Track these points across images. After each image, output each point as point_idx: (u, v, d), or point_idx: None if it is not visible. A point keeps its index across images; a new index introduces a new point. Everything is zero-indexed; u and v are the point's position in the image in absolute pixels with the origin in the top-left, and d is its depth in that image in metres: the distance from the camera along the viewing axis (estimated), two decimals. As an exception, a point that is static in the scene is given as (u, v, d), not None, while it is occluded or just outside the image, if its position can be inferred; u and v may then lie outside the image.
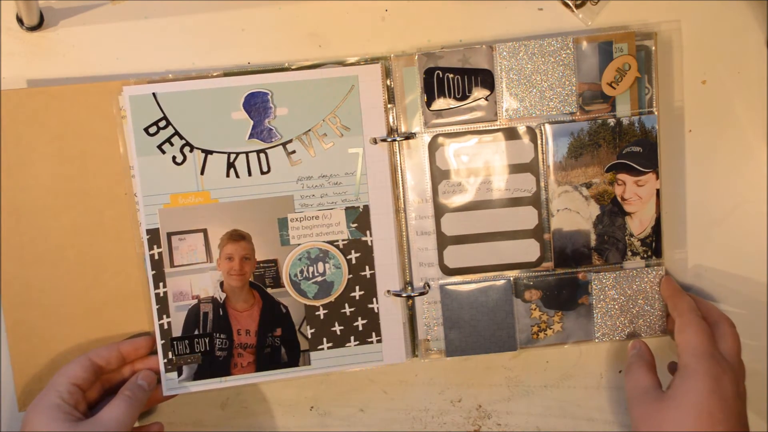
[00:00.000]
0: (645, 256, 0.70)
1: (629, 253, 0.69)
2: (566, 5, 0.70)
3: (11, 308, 0.67)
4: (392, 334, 0.69)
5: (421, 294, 0.69)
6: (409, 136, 0.68)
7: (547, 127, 0.68)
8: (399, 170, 0.69)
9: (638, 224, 0.69)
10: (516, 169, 0.69)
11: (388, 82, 0.68)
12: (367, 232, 0.68)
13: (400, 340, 0.69)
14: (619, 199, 0.69)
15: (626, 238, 0.69)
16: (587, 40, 0.67)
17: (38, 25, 0.68)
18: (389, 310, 0.69)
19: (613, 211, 0.69)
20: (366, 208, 0.68)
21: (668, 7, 0.70)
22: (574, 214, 0.69)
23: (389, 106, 0.68)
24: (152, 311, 0.67)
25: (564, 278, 0.70)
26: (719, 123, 0.71)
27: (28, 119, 0.66)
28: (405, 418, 0.73)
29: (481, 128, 0.69)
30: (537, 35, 0.70)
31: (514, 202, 0.69)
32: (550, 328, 0.70)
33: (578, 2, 0.69)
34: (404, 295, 0.69)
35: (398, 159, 0.68)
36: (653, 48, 0.68)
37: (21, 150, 0.66)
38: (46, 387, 0.61)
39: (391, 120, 0.68)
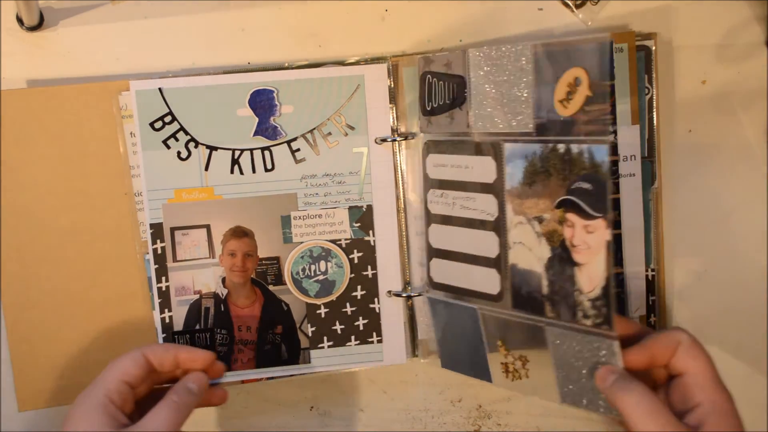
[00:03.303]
0: (595, 322, 0.55)
1: (579, 314, 0.56)
2: (566, 5, 0.70)
3: (11, 308, 0.67)
4: (393, 334, 0.69)
5: (421, 294, 0.69)
6: (408, 137, 0.68)
7: (506, 146, 0.60)
8: (399, 170, 0.69)
9: (587, 280, 0.55)
10: (482, 188, 0.63)
11: (389, 83, 0.68)
12: (370, 232, 0.68)
13: (401, 340, 0.69)
14: (567, 243, 0.56)
15: (575, 293, 0.56)
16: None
17: (38, 25, 0.68)
18: (390, 311, 0.69)
19: (562, 257, 0.57)
20: (369, 207, 0.68)
21: (668, 7, 0.70)
22: (527, 250, 0.59)
23: (390, 106, 0.68)
24: (154, 305, 0.67)
25: (521, 323, 0.61)
26: (719, 123, 0.71)
27: (28, 119, 0.66)
28: (405, 418, 0.73)
29: (457, 139, 0.64)
30: (510, 36, 0.69)
31: (481, 225, 0.63)
32: (518, 372, 0.62)
33: (578, 2, 0.69)
34: (404, 295, 0.69)
35: (398, 159, 0.69)
36: (653, 48, 0.68)
37: (21, 150, 0.66)
38: (95, 381, 0.57)
39: (390, 120, 0.68)
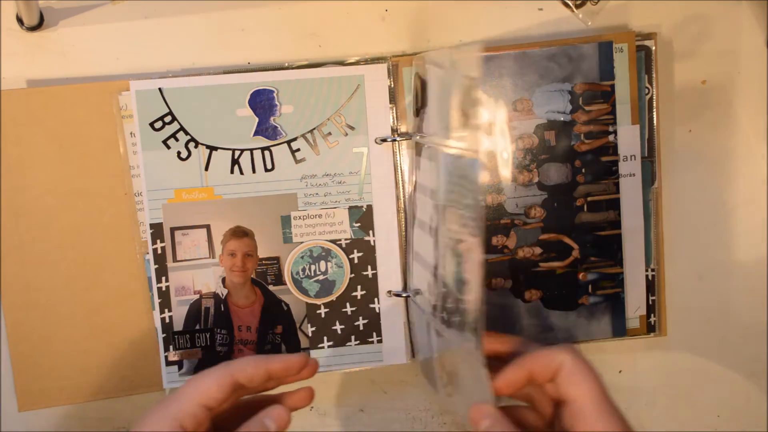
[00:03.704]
0: (474, 344, 0.51)
1: (466, 334, 0.52)
2: (566, 5, 0.70)
3: (11, 308, 0.67)
4: (393, 334, 0.69)
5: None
6: (407, 137, 0.68)
7: (441, 153, 0.58)
8: (399, 170, 0.69)
9: (470, 298, 0.52)
10: (430, 194, 0.61)
11: (389, 83, 0.68)
12: (370, 232, 0.68)
13: (401, 340, 0.69)
14: (462, 259, 0.54)
15: (464, 312, 0.52)
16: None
17: (38, 25, 0.68)
18: (390, 311, 0.69)
19: (458, 272, 0.54)
20: (369, 207, 0.68)
21: (668, 7, 0.70)
22: (445, 261, 0.57)
23: (390, 106, 0.68)
24: (154, 305, 0.67)
25: (445, 337, 0.57)
26: (719, 123, 0.71)
27: (28, 119, 0.66)
28: (405, 418, 0.73)
29: (423, 142, 0.63)
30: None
31: (430, 231, 0.60)
32: (446, 388, 0.58)
33: (578, 2, 0.69)
34: (404, 295, 0.69)
35: (398, 159, 0.68)
36: (653, 48, 0.68)
37: (21, 150, 0.66)
38: (172, 396, 0.51)
39: (390, 120, 0.68)
